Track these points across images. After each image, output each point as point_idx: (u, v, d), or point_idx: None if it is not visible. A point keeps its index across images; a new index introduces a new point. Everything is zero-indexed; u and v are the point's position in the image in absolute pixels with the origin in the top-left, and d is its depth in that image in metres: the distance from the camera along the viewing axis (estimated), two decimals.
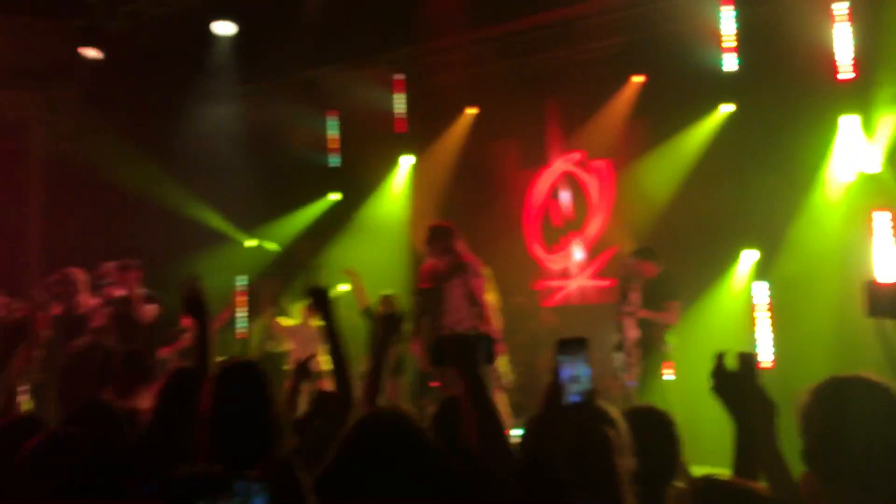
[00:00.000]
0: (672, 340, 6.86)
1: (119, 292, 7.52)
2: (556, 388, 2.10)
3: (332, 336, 3.04)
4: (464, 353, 2.26)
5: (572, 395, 2.08)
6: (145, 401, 5.06)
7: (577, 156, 10.02)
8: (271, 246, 11.37)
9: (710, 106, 8.65)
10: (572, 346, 2.13)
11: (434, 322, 6.04)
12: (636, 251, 7.08)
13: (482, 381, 2.26)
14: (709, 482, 2.00)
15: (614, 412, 2.30)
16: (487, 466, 2.11)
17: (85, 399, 3.44)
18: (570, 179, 10.09)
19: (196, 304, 3.23)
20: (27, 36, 11.34)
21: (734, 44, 8.51)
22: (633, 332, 5.72)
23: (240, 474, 1.88)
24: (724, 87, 8.57)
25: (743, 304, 8.01)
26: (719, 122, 8.64)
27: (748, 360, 2.23)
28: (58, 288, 7.68)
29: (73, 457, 2.34)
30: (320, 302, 3.12)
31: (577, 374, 2.10)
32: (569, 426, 2.06)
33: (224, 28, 10.08)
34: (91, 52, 10.59)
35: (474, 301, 5.99)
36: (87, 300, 7.71)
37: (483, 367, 2.31)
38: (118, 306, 7.48)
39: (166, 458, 2.82)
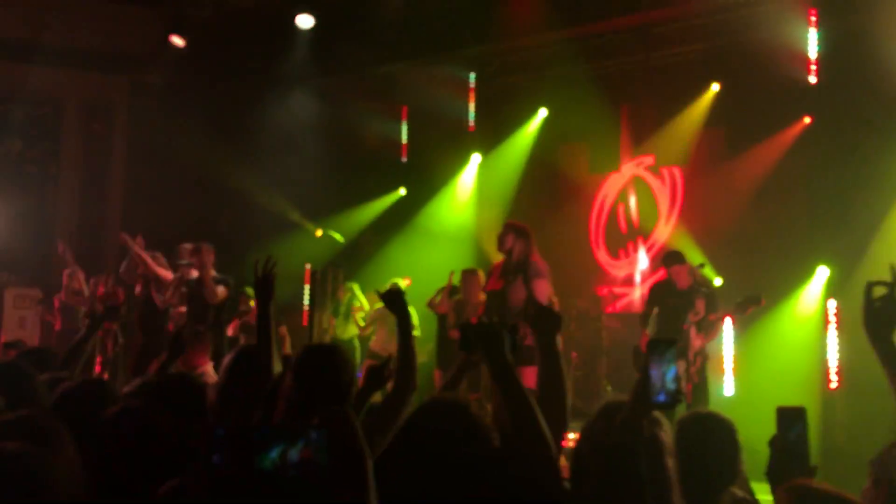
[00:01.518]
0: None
1: (192, 273, 7.75)
2: (645, 386, 2.15)
3: (405, 335, 3.13)
4: (489, 340, 2.29)
5: (659, 394, 2.14)
6: (209, 377, 5.28)
7: (647, 162, 9.92)
8: (337, 237, 11.56)
9: (788, 118, 8.46)
10: (661, 347, 2.20)
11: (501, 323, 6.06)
12: (669, 255, 7.03)
13: (510, 368, 2.28)
14: (807, 489, 2.02)
15: (660, 416, 2.34)
16: (522, 452, 2.13)
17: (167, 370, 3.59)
18: (640, 185, 10.00)
19: (265, 285, 3.31)
20: (117, 21, 11.78)
21: (816, 56, 8.31)
22: (697, 341, 5.66)
23: (301, 423, 1.95)
24: (804, 99, 8.38)
25: (814, 322, 7.82)
26: (797, 135, 8.45)
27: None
28: (141, 268, 7.98)
29: (152, 423, 2.43)
30: (395, 303, 3.21)
31: (664, 375, 2.16)
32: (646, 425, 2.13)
33: (304, 21, 10.29)
34: (177, 40, 10.93)
35: (533, 302, 5.97)
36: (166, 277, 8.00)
37: (509, 354, 2.33)
38: (191, 286, 7.72)
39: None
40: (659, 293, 6.71)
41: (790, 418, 2.28)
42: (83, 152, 12.30)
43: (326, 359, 2.77)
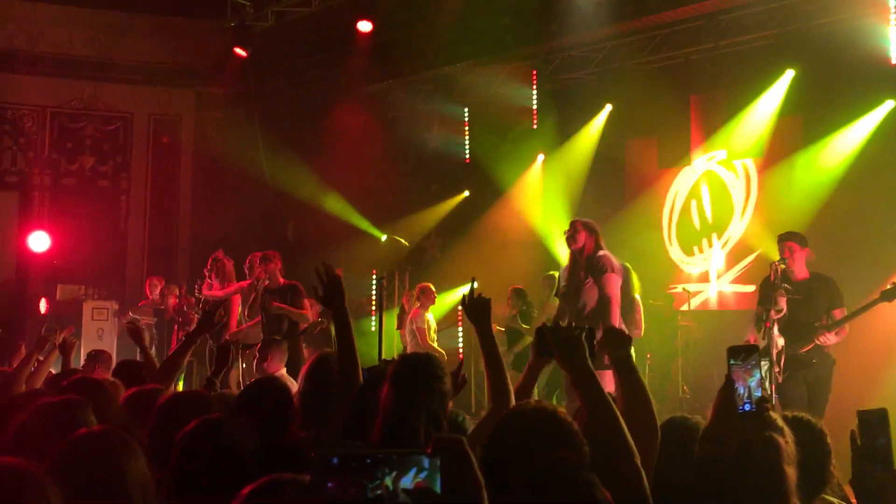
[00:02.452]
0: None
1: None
2: (729, 395, 2.07)
3: (488, 345, 3.08)
4: (568, 346, 2.22)
5: (745, 403, 2.07)
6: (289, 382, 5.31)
7: (720, 154, 9.57)
8: (403, 241, 11.53)
9: (870, 102, 8.05)
10: (743, 352, 2.11)
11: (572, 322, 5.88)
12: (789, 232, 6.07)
13: (592, 374, 2.20)
14: None
15: (780, 420, 2.23)
16: (608, 460, 2.03)
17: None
18: (712, 180, 9.66)
19: (334, 289, 3.25)
20: (182, 36, 12.03)
21: None
22: (780, 340, 5.36)
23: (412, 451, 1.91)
24: (886, 81, 7.95)
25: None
26: (880, 120, 8.03)
27: None
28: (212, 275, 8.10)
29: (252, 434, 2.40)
30: (479, 313, 3.16)
31: (748, 382, 2.08)
32: (739, 433, 2.03)
33: (364, 26, 10.29)
34: (239, 51, 11.09)
35: (603, 301, 5.78)
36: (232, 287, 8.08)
37: (589, 359, 2.27)
38: (263, 296, 7.78)
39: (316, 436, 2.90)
40: (769, 288, 5.79)
41: (872, 422, 2.14)
42: (152, 165, 12.60)
43: (425, 368, 2.75)
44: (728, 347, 2.15)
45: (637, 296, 6.82)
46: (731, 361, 2.11)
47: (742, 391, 2.07)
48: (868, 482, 2.10)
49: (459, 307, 7.08)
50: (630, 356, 2.41)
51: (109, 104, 12.13)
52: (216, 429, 2.39)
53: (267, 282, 7.72)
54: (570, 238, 5.97)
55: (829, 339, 5.65)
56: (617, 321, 5.80)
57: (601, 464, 1.96)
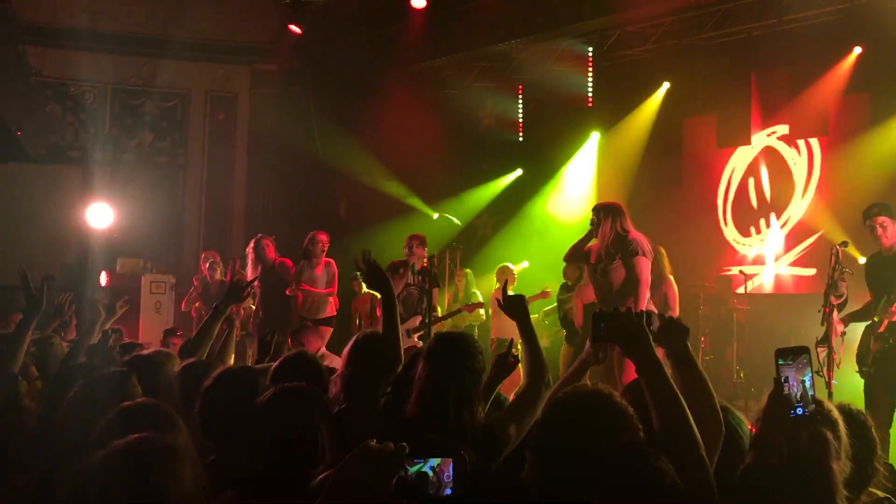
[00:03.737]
0: None
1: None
2: (780, 400, 2.00)
3: (528, 335, 3.09)
4: (631, 333, 2.16)
5: (797, 406, 2.00)
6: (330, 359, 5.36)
7: (781, 129, 9.29)
8: (454, 219, 11.50)
9: None
10: (793, 354, 2.03)
11: (602, 307, 5.81)
12: (875, 205, 5.48)
13: (657, 362, 2.14)
14: None
15: (836, 413, 2.16)
16: (673, 448, 1.98)
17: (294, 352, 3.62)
18: (772, 157, 9.39)
19: (376, 275, 3.29)
20: (237, 13, 12.12)
21: None
22: (839, 327, 5.16)
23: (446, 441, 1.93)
24: None
25: None
26: None
27: None
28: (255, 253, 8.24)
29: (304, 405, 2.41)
30: (517, 309, 3.16)
31: (800, 384, 2.00)
32: (791, 440, 1.98)
33: (418, 2, 10.22)
34: (294, 28, 11.13)
35: (632, 283, 5.66)
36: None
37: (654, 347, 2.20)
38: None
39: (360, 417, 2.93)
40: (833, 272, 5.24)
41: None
42: (208, 141, 12.77)
43: (458, 346, 2.80)
44: (776, 349, 2.07)
45: (670, 276, 6.70)
46: (780, 363, 2.02)
47: (795, 393, 1.99)
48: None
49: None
50: (687, 347, 2.33)
51: (167, 81, 12.30)
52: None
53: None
54: (592, 223, 5.88)
55: None
56: (644, 305, 5.70)
57: (667, 454, 1.92)
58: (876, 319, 5.23)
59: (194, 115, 12.67)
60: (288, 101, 11.89)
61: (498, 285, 8.79)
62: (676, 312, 6.61)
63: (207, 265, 9.87)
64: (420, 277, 7.77)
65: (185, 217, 12.61)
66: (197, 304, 9.83)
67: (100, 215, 10.99)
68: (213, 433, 2.58)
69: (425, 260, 7.47)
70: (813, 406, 2.01)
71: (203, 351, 4.18)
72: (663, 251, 6.70)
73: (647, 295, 5.76)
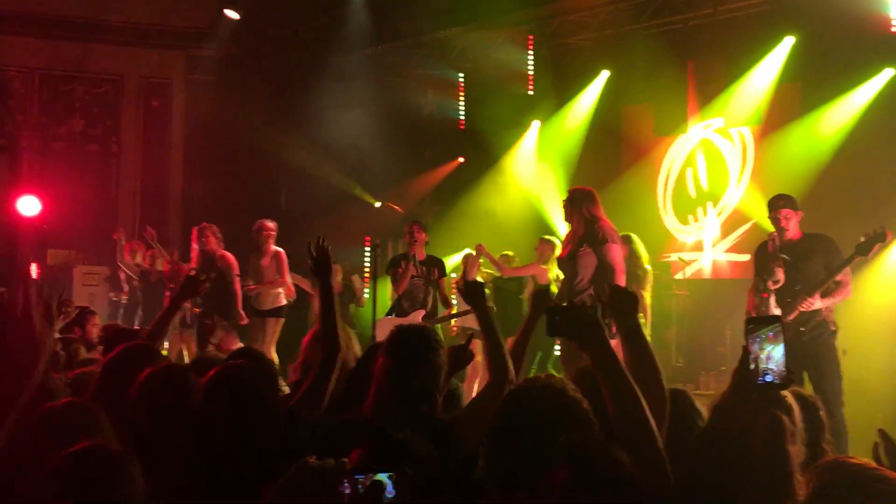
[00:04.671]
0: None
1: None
2: (745, 366, 2.03)
3: (486, 323, 3.08)
4: (587, 327, 2.13)
5: (766, 374, 2.01)
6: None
7: (717, 122, 9.48)
8: (397, 207, 11.45)
9: (870, 70, 7.97)
10: (764, 323, 2.05)
11: (567, 292, 5.84)
12: (780, 197, 5.59)
13: (613, 356, 2.12)
14: (836, 465, 1.89)
15: (791, 399, 2.20)
16: (629, 442, 1.99)
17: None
18: (709, 148, 9.58)
19: (322, 261, 3.26)
20: None
21: None
22: (777, 311, 5.27)
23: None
24: (886, 49, 7.87)
25: None
26: (880, 88, 7.94)
27: None
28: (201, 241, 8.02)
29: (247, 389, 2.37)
30: (475, 296, 3.17)
31: (770, 354, 2.02)
32: (754, 405, 2.01)
33: None
34: (231, 14, 10.90)
35: (603, 269, 5.71)
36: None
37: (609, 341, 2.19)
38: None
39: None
40: (766, 258, 5.39)
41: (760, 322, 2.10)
42: (143, 129, 12.43)
43: (419, 340, 2.77)
44: (746, 318, 2.12)
45: (647, 266, 6.77)
46: (750, 332, 2.05)
47: (763, 362, 2.01)
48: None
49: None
50: (639, 323, 2.34)
51: (99, 66, 11.93)
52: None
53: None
54: (565, 208, 5.92)
55: (813, 303, 5.15)
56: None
57: (623, 445, 1.92)
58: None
59: (127, 101, 12.31)
60: (225, 87, 11.64)
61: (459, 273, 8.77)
62: (646, 310, 6.72)
63: (138, 258, 9.68)
64: (424, 268, 7.47)
65: (120, 207, 12.27)
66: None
67: (28, 205, 10.63)
68: (141, 435, 2.49)
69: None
70: (785, 373, 2.02)
71: (161, 344, 4.08)
72: (637, 239, 6.80)
73: (624, 281, 5.78)
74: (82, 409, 2.28)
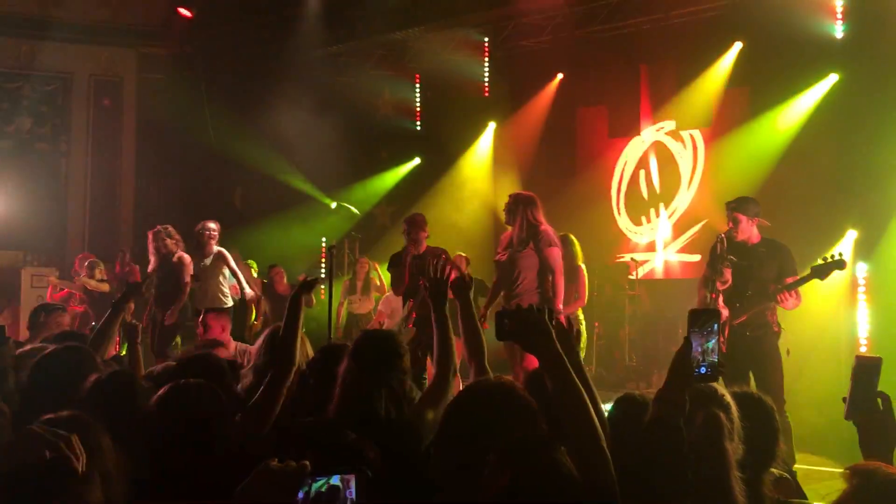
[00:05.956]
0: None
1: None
2: (685, 358, 2.08)
3: (441, 319, 3.08)
4: (534, 330, 2.16)
5: (701, 366, 2.09)
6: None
7: (668, 125, 9.66)
8: (352, 208, 11.42)
9: (815, 75, 8.19)
10: (703, 317, 2.13)
11: (506, 293, 5.94)
12: (736, 199, 5.61)
13: (561, 358, 2.14)
14: (867, 471, 1.94)
15: (729, 397, 2.26)
16: (575, 440, 2.02)
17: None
18: (661, 150, 9.75)
19: (307, 286, 3.23)
20: None
21: (842, 8, 8.02)
22: (724, 311, 5.38)
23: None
24: (831, 54, 8.09)
25: (843, 287, 7.55)
26: (825, 93, 8.17)
27: None
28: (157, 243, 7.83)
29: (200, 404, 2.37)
30: (436, 294, 3.14)
31: (706, 346, 2.10)
32: (692, 396, 2.06)
33: None
34: (184, 12, 10.76)
35: (545, 271, 5.83)
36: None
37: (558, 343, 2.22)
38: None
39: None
40: (715, 259, 5.38)
41: (868, 368, 2.30)
42: (93, 127, 12.19)
43: (385, 345, 2.80)
44: (689, 311, 2.17)
45: (581, 265, 6.88)
46: (691, 325, 2.12)
47: (700, 354, 2.09)
48: (868, 421, 2.22)
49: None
50: (557, 352, 2.19)
51: (48, 64, 11.67)
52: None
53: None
54: (506, 212, 6.00)
55: (788, 302, 5.19)
56: (561, 292, 5.90)
57: (569, 446, 1.95)
58: (737, 305, 5.37)
59: (77, 100, 12.06)
60: (178, 86, 11.49)
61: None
62: (584, 300, 6.83)
63: (86, 265, 9.49)
64: (419, 262, 6.57)
65: (69, 207, 12.02)
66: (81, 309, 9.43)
67: None
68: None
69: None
70: (716, 364, 2.10)
71: (104, 352, 4.03)
72: (574, 239, 6.87)
73: (563, 283, 5.93)
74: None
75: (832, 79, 8.14)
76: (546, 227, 5.92)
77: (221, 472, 2.07)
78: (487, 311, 6.04)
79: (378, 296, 9.51)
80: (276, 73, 11.08)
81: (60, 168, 12.06)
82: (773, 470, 2.55)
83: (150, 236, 7.81)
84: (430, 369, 3.30)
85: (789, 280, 5.29)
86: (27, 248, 11.27)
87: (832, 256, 5.18)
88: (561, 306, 5.89)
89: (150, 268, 7.67)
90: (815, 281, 5.20)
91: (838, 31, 8.07)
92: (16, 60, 11.65)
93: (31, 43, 11.50)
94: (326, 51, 11.09)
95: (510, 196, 6.15)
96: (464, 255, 8.70)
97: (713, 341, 2.11)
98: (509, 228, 6.11)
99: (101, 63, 12.06)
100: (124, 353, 6.83)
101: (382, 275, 9.79)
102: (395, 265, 7.00)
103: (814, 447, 5.81)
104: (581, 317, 6.95)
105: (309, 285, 3.23)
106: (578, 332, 5.01)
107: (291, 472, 1.52)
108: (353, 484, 1.59)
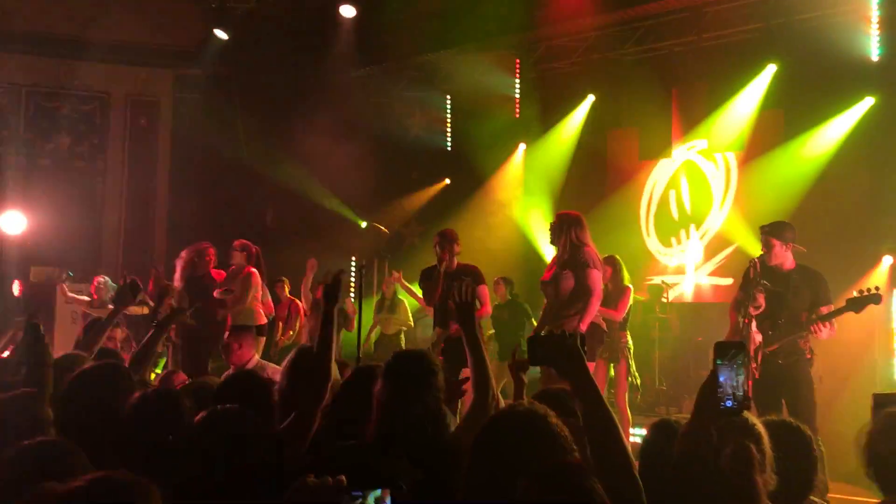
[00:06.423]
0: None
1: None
2: (711, 392, 2.07)
3: (472, 343, 3.07)
4: (567, 356, 2.18)
5: (727, 399, 2.06)
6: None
7: (701, 144, 9.59)
8: (383, 228, 11.46)
9: (851, 98, 8.10)
10: (729, 350, 2.10)
11: (550, 314, 5.88)
12: (770, 224, 5.52)
13: (593, 384, 2.17)
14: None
15: (760, 427, 2.22)
16: (606, 467, 2.01)
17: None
18: (692, 171, 9.68)
19: (333, 289, 3.21)
20: (161, 15, 11.84)
21: (879, 32, 7.95)
22: (757, 336, 5.31)
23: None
24: (867, 77, 8.01)
25: (879, 315, 7.39)
26: (860, 116, 8.08)
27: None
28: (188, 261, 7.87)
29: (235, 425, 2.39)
30: (465, 317, 3.14)
31: (733, 380, 2.07)
32: (717, 432, 2.04)
33: (347, 11, 10.19)
34: (220, 33, 10.94)
35: (583, 293, 5.75)
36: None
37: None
38: None
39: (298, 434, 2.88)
40: (748, 284, 5.30)
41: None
42: (129, 147, 12.40)
43: (419, 364, 2.77)
44: (715, 343, 2.14)
45: (629, 285, 6.94)
46: (718, 359, 2.10)
47: (726, 388, 2.07)
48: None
49: None
50: (588, 378, 2.26)
51: (86, 83, 11.91)
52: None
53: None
54: (551, 231, 5.97)
55: (822, 332, 5.13)
56: (592, 316, 5.80)
57: (599, 474, 1.94)
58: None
59: (114, 119, 12.28)
60: (213, 107, 11.67)
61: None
62: (620, 315, 6.92)
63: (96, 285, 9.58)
64: (451, 280, 6.29)
65: (105, 224, 12.21)
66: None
67: (13, 222, 10.56)
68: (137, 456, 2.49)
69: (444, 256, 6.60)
70: (742, 397, 2.07)
71: (144, 372, 4.06)
72: (620, 260, 6.91)
73: (597, 306, 5.82)
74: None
75: (868, 102, 8.05)
76: (590, 248, 5.84)
77: (260, 494, 2.09)
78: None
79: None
80: (308, 94, 11.21)
81: (97, 186, 12.27)
82: (815, 499, 2.51)
83: (191, 253, 7.72)
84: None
85: (824, 310, 5.22)
86: (61, 265, 11.43)
87: (868, 290, 5.09)
88: (584, 327, 5.77)
89: (178, 284, 7.68)
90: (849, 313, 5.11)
91: (874, 53, 8.00)
92: (55, 80, 11.90)
93: (69, 63, 11.74)
94: (359, 73, 11.20)
95: (556, 215, 6.12)
96: (503, 278, 8.68)
97: (742, 375, 2.08)
98: (540, 247, 6.08)
99: (137, 83, 12.28)
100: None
101: (414, 288, 9.76)
102: (426, 279, 6.98)
103: (848, 476, 5.69)
104: (629, 337, 7.10)
105: (334, 291, 3.12)
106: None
107: (329, 487, 1.53)
108: (388, 500, 1.58)
